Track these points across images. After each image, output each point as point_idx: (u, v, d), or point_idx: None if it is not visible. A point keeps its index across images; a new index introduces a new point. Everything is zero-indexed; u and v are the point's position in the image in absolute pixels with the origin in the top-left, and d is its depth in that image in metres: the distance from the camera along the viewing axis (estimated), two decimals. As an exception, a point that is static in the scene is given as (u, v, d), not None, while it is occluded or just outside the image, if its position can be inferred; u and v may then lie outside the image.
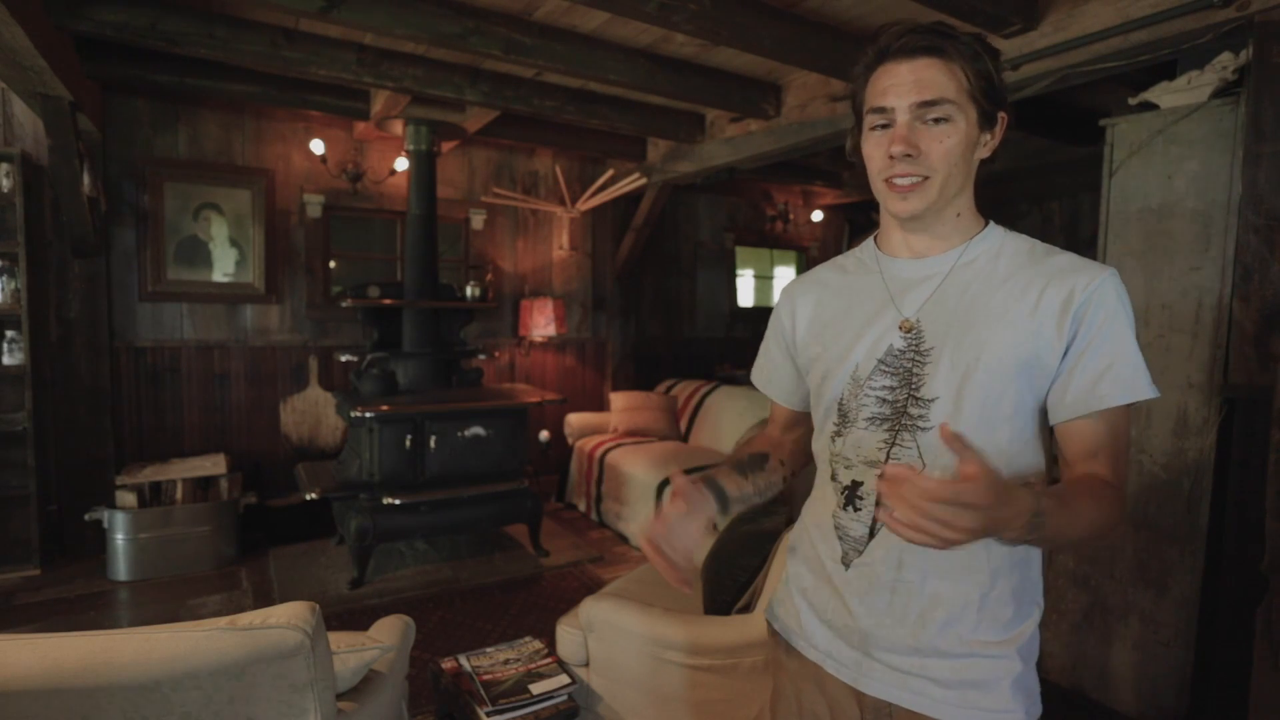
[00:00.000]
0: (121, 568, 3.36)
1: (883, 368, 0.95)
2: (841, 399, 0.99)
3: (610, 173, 4.69)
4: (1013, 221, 5.52)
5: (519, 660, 2.02)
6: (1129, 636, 2.35)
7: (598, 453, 4.49)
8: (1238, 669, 2.01)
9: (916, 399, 0.92)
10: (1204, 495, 2.19)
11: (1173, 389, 2.26)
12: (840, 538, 0.99)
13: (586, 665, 2.01)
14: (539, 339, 5.00)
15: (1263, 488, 1.93)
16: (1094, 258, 2.54)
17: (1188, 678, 2.22)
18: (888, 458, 0.94)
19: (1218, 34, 2.10)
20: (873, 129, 0.94)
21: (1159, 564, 2.29)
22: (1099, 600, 2.42)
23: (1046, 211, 5.31)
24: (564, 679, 1.94)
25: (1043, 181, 5.08)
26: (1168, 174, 2.26)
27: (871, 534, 0.96)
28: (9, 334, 3.36)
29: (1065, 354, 0.88)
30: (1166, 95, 2.29)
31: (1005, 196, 5.41)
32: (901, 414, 0.93)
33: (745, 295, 6.33)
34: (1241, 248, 2.04)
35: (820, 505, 1.04)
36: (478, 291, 4.08)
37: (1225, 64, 2.14)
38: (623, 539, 4.14)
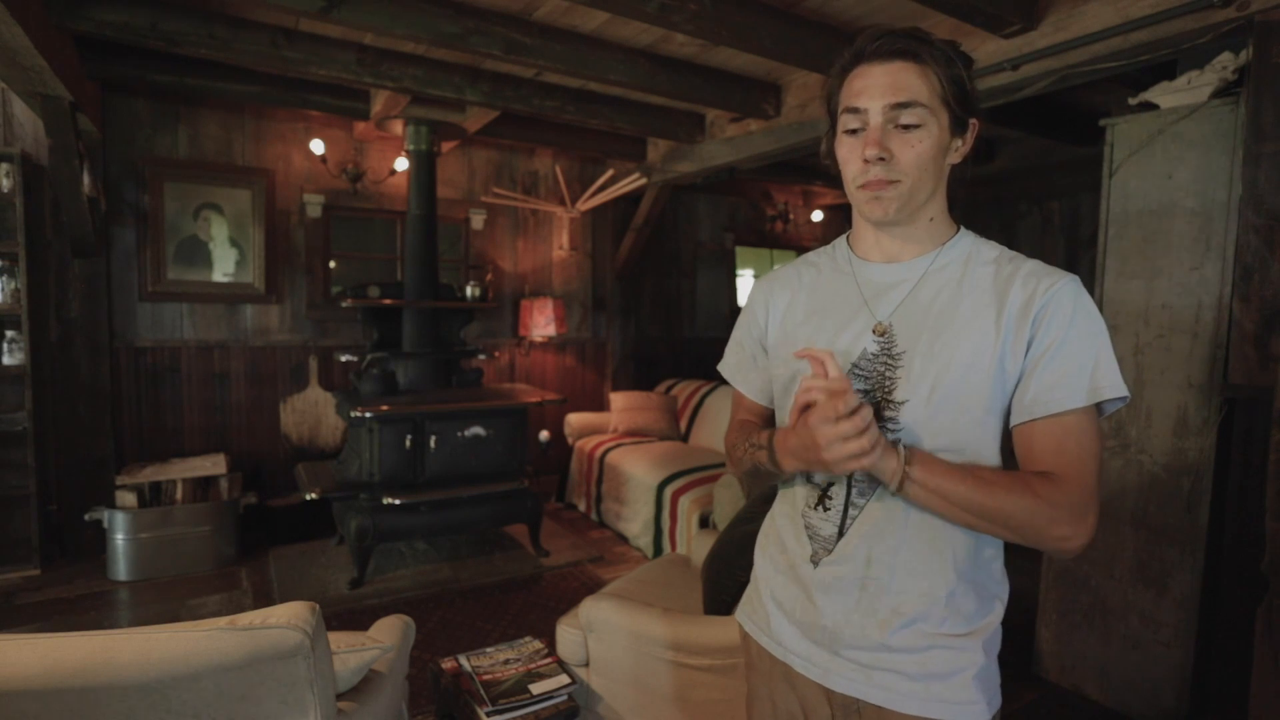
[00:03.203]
0: (121, 568, 3.36)
1: (857, 371, 0.97)
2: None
3: (610, 173, 4.69)
4: (1013, 222, 5.54)
5: (519, 660, 2.02)
6: (1129, 636, 2.35)
7: (598, 453, 4.49)
8: (1238, 669, 2.02)
9: (889, 401, 0.93)
10: (1204, 495, 2.19)
11: (1173, 389, 2.26)
12: (811, 536, 1.01)
13: (586, 665, 2.01)
14: (539, 339, 5.00)
15: (1263, 488, 1.93)
16: (1094, 258, 2.55)
17: (1188, 678, 2.22)
18: None
19: (1218, 34, 2.10)
20: (846, 132, 0.96)
21: (1159, 564, 2.29)
22: (1099, 600, 2.42)
23: (1046, 211, 5.31)
24: (564, 679, 1.94)
25: (1043, 181, 5.08)
26: (1168, 174, 2.26)
27: (841, 533, 0.97)
28: (9, 334, 3.36)
29: (1025, 356, 0.89)
30: (1166, 95, 2.29)
31: (1005, 196, 5.41)
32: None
33: (745, 295, 6.34)
34: (1241, 248, 2.04)
35: (789, 504, 1.06)
36: (478, 291, 4.08)
37: (1225, 64, 2.14)
38: (623, 539, 4.14)
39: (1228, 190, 2.12)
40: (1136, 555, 2.34)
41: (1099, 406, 0.89)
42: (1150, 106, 2.35)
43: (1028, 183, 5.16)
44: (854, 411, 0.81)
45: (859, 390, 0.96)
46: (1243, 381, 2.04)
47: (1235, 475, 2.10)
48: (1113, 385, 0.88)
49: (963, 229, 1.01)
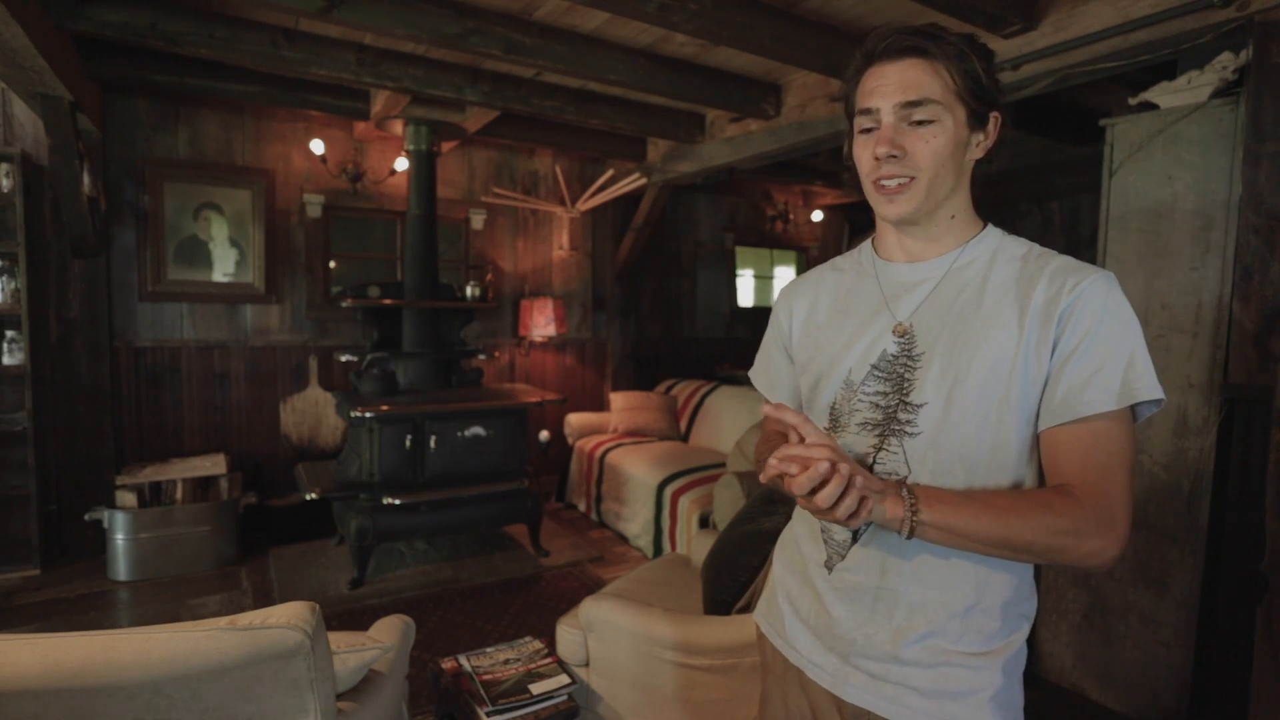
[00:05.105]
0: (121, 568, 3.36)
1: (876, 373, 0.95)
2: (834, 403, 0.99)
3: (610, 173, 4.69)
4: (1013, 221, 5.53)
5: (519, 660, 2.02)
6: (1129, 636, 2.35)
7: (598, 453, 4.49)
8: (1238, 669, 2.02)
9: (906, 404, 0.91)
10: (1204, 495, 2.19)
11: (1173, 389, 2.26)
12: (826, 541, 0.99)
13: (586, 665, 2.01)
14: (539, 339, 5.00)
15: (1263, 488, 1.93)
16: (1094, 258, 2.55)
17: (1188, 678, 2.22)
18: (874, 462, 0.93)
19: (1218, 34, 2.10)
20: (861, 132, 0.95)
21: (1159, 564, 2.29)
22: (1099, 600, 2.42)
23: (1046, 211, 5.31)
24: (564, 679, 1.94)
25: (1043, 181, 5.08)
26: (1167, 174, 2.26)
27: (854, 539, 0.95)
28: (9, 334, 3.36)
29: (1051, 359, 0.86)
30: (1166, 95, 2.29)
31: (1005, 196, 5.41)
32: (891, 419, 0.92)
33: (745, 295, 6.33)
34: (1241, 248, 2.04)
35: None
36: (478, 291, 4.08)
37: (1225, 64, 2.14)
38: (623, 539, 4.14)
39: (1228, 190, 2.12)
40: (1136, 555, 2.33)
41: (1133, 412, 0.85)
42: (1150, 106, 2.35)
43: (1028, 183, 5.16)
44: (826, 479, 0.74)
45: (878, 391, 0.94)
46: (1243, 381, 2.04)
47: (1235, 475, 2.10)
48: (1148, 387, 0.83)
49: (989, 226, 0.98)
